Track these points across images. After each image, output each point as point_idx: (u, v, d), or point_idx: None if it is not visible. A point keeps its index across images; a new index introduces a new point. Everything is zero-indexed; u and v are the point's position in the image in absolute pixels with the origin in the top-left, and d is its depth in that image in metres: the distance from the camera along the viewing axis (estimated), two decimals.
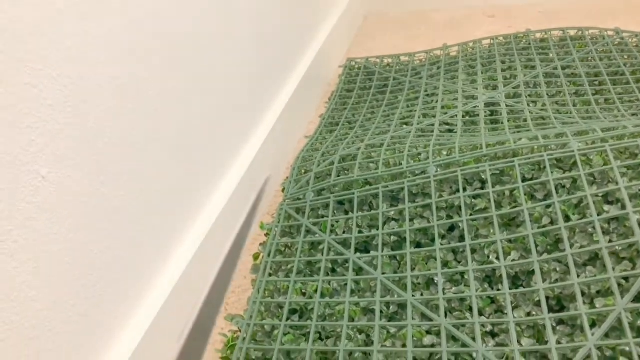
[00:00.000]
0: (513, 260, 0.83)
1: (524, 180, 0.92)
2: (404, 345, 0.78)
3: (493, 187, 0.92)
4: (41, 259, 0.64)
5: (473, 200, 0.93)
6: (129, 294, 0.81)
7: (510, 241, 0.86)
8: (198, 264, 0.95)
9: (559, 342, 0.73)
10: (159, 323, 0.83)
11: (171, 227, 0.92)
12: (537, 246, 0.83)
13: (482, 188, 0.95)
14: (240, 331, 0.86)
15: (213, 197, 1.05)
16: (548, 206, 0.87)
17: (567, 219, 0.85)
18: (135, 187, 0.81)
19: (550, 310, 0.77)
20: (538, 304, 0.78)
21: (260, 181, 1.21)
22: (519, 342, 0.74)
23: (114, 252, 0.77)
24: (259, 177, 1.20)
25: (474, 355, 0.75)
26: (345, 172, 1.09)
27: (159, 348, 0.84)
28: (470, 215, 0.91)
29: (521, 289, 0.80)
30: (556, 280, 0.79)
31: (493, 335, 0.78)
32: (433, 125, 1.20)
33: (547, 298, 0.77)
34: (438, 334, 0.79)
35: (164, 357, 0.85)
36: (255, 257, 1.01)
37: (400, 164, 1.03)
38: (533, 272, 0.82)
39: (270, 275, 0.95)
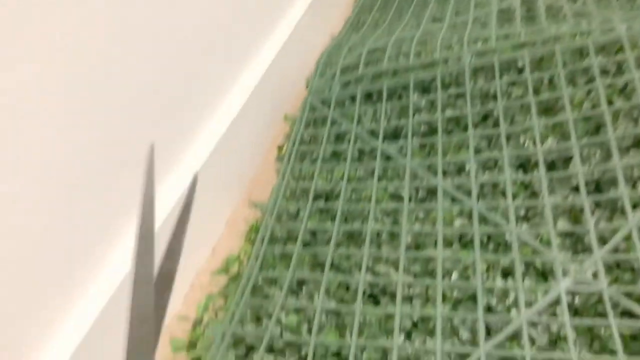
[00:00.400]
0: (550, 146, 0.79)
1: (564, 66, 0.87)
2: (432, 227, 0.76)
3: (531, 73, 0.87)
4: None
5: (510, 88, 0.88)
6: None
7: (547, 127, 0.82)
8: (218, 156, 0.93)
9: (597, 223, 0.70)
10: None
11: (186, 125, 0.89)
12: (576, 132, 0.79)
13: (520, 74, 0.90)
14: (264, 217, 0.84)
15: (233, 90, 1.02)
16: (589, 92, 0.82)
17: (610, 104, 0.80)
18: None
19: (589, 194, 0.73)
20: (575, 189, 0.75)
21: (283, 78, 1.17)
22: (555, 224, 0.72)
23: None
24: (282, 74, 1.16)
25: (507, 236, 0.72)
26: (374, 64, 1.04)
27: None
28: (506, 102, 0.87)
29: (558, 173, 0.77)
30: (596, 165, 0.76)
31: (527, 219, 0.75)
32: (466, 21, 1.14)
33: (586, 182, 0.74)
34: (469, 217, 0.76)
35: None
36: (280, 148, 0.98)
37: (433, 54, 0.98)
38: (571, 158, 0.78)
39: (294, 162, 0.92)
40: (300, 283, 0.72)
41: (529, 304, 0.64)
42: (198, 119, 0.93)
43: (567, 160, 0.79)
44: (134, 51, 0.72)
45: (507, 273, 0.69)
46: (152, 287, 0.31)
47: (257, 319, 0.70)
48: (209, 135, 0.94)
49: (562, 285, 0.64)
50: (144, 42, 0.74)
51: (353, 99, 0.99)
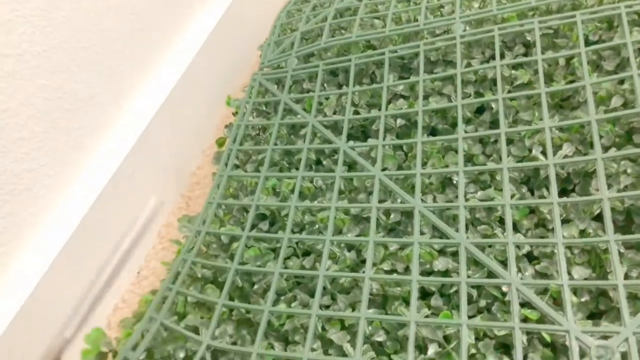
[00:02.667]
0: (565, 156, 0.59)
1: (587, 43, 0.66)
2: (407, 270, 0.57)
3: (543, 52, 0.66)
4: None
5: (513, 72, 0.67)
6: None
7: (562, 129, 0.62)
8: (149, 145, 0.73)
9: (627, 276, 0.51)
10: None
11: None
12: (601, 137, 0.59)
13: (527, 54, 0.69)
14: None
15: (164, 60, 0.81)
16: (621, 82, 0.62)
17: None
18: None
19: (616, 228, 0.54)
20: (598, 218, 0.56)
21: (234, 43, 0.95)
22: (569, 273, 0.53)
23: None
24: (230, 37, 0.94)
25: (505, 289, 0.54)
26: (342, 31, 0.83)
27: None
28: (509, 92, 0.66)
29: (574, 197, 0.57)
30: (626, 187, 0.56)
31: (531, 259, 0.56)
32: None
33: (612, 210, 0.54)
34: (455, 256, 0.57)
35: None
36: (220, 142, 0.78)
37: (416, 20, 0.76)
38: (592, 173, 0.59)
39: (236, 167, 0.72)
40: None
41: None
42: (122, 96, 0.73)
43: (588, 176, 0.60)
44: None
45: (504, 347, 0.51)
46: None
47: None
48: (137, 118, 0.74)
49: None
50: None
51: (314, 77, 0.78)
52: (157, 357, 0.55)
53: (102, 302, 0.70)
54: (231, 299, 0.59)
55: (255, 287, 0.59)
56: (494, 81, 0.67)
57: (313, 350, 0.52)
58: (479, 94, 0.68)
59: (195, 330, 0.56)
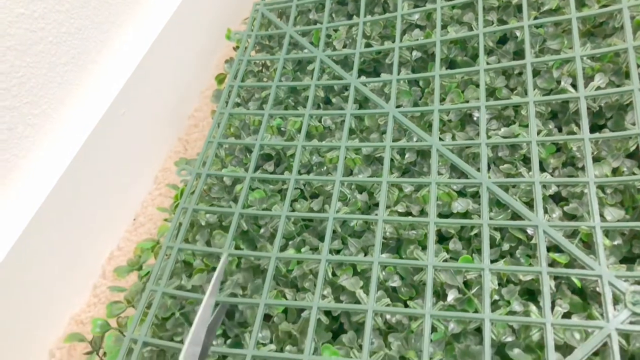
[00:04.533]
0: (598, 87, 0.54)
1: None
2: (422, 212, 0.53)
3: None
4: None
5: None
6: None
7: (594, 58, 0.56)
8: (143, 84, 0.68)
9: None
10: None
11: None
12: (638, 66, 0.53)
13: None
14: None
15: None
16: None
17: None
18: None
19: None
20: (633, 155, 0.51)
21: None
22: (601, 214, 0.49)
23: None
24: None
25: (530, 231, 0.50)
26: None
27: None
28: (535, 18, 0.60)
29: (608, 133, 0.52)
30: None
31: (559, 200, 0.52)
32: None
33: None
34: (476, 197, 0.53)
35: None
36: (220, 79, 0.72)
37: None
38: (628, 106, 0.54)
39: (237, 105, 0.67)
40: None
41: (560, 347, 0.43)
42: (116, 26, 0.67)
43: (622, 109, 0.54)
44: None
45: (530, 293, 0.48)
46: None
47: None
48: (128, 54, 0.69)
49: (612, 323, 0.42)
50: None
51: (321, 7, 0.72)
52: (168, 326, 0.52)
53: (96, 250, 0.66)
54: (237, 244, 0.55)
55: (262, 230, 0.55)
56: (518, 7, 0.61)
57: (324, 297, 0.48)
58: (502, 22, 0.62)
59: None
